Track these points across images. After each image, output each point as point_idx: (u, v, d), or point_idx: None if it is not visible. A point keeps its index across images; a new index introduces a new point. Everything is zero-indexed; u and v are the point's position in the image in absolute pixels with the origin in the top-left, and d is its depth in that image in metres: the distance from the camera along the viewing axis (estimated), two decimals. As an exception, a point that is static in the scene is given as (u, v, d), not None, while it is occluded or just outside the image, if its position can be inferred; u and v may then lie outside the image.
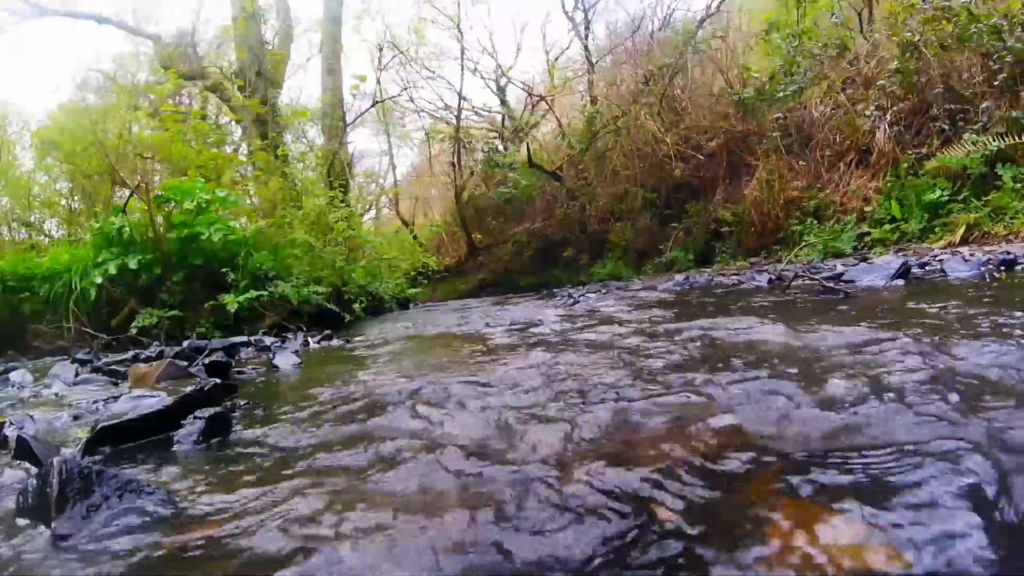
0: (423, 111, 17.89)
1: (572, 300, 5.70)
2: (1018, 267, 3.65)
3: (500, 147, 16.78)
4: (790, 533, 0.69)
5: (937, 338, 1.58)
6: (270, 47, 13.19)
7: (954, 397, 1.09)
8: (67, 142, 13.98)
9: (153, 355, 3.91)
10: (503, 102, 18.10)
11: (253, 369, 2.94)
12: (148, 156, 13.91)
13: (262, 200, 9.45)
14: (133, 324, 5.59)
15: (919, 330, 1.75)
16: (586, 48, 15.29)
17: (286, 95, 15.22)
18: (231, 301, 5.69)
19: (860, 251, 7.41)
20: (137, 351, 4.34)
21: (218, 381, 1.77)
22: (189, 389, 1.73)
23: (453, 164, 15.78)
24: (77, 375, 3.22)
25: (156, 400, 2.01)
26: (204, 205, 6.37)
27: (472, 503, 0.87)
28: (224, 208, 6.85)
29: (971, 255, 4.60)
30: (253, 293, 5.88)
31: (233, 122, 15.56)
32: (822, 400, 1.15)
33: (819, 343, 1.78)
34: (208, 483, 1.15)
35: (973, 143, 6.95)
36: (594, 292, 6.99)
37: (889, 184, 8.01)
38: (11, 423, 1.79)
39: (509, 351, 2.50)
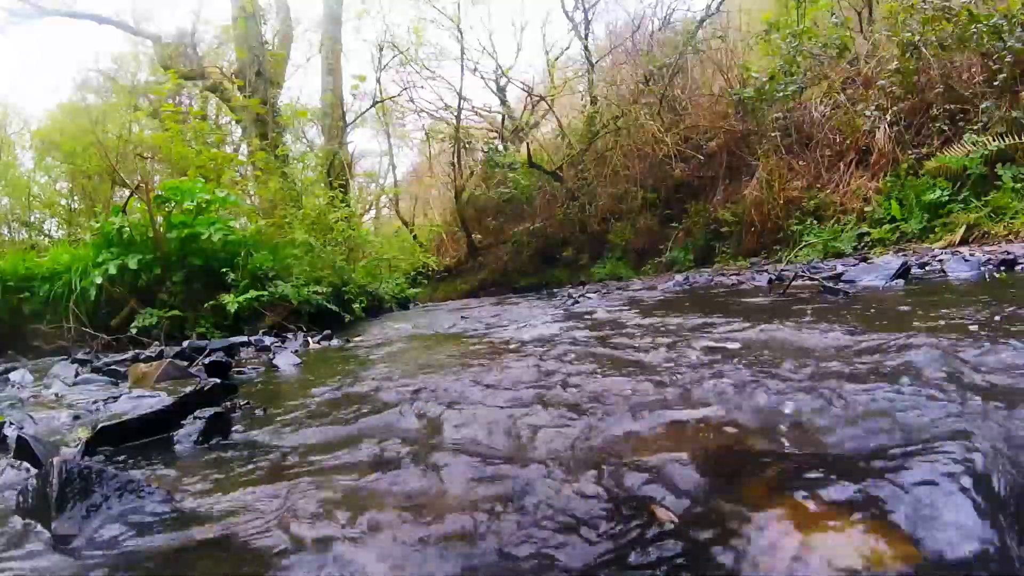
0: (423, 111, 17.88)
1: (572, 300, 5.70)
2: (1018, 267, 3.65)
3: (500, 147, 16.76)
4: (791, 533, 0.69)
5: (937, 337, 1.57)
6: (270, 47, 13.20)
7: (956, 397, 1.09)
8: (67, 142, 13.99)
9: (153, 355, 3.92)
10: (503, 102, 18.07)
11: (253, 369, 2.94)
12: (148, 156, 13.92)
13: (262, 200, 9.46)
14: (133, 324, 5.59)
15: (919, 330, 1.75)
16: (586, 48, 15.27)
17: (286, 95, 15.20)
18: (231, 301, 5.69)
19: (860, 251, 7.41)
20: (137, 351, 4.34)
21: (218, 381, 1.77)
22: (189, 389, 1.73)
23: (453, 164, 15.77)
24: (77, 375, 3.22)
25: (156, 400, 2.01)
26: (204, 205, 6.37)
27: (472, 503, 0.87)
28: (224, 208, 6.85)
29: (971, 255, 4.59)
30: (253, 293, 5.88)
31: (233, 122, 15.57)
32: (823, 400, 1.15)
33: (819, 343, 1.78)
34: (208, 483, 1.15)
35: (973, 143, 6.95)
36: (594, 292, 6.99)
37: (889, 184, 8.01)
38: (11, 423, 1.79)
39: (509, 352, 2.50)
